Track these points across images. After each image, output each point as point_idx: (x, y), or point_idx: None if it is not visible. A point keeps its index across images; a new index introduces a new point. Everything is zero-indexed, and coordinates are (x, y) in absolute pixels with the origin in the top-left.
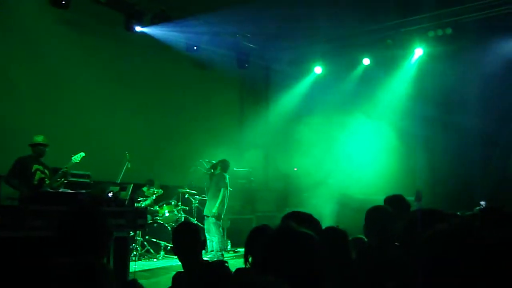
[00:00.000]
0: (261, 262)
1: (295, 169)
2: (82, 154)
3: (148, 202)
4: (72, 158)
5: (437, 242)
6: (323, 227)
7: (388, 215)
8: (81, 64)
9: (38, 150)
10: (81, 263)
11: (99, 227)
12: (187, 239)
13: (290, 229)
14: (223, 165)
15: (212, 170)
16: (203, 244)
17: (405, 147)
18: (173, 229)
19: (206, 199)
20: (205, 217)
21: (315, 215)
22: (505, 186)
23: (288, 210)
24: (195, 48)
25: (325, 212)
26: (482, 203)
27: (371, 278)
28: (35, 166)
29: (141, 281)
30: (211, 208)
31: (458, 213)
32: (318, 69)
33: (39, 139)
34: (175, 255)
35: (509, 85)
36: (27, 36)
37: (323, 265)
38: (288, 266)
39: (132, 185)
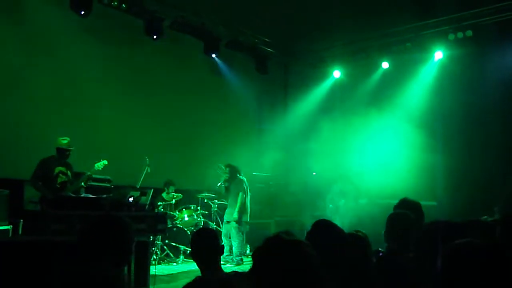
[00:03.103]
0: (251, 272)
1: (314, 174)
2: (105, 162)
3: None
4: (95, 165)
5: (457, 258)
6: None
7: (409, 221)
8: (101, 70)
9: (62, 153)
10: (94, 273)
11: (123, 236)
12: (205, 244)
13: (278, 239)
14: (235, 170)
15: (227, 177)
16: (221, 250)
17: (424, 150)
18: (192, 234)
19: (225, 203)
20: (226, 222)
21: (336, 220)
22: None
23: (308, 215)
24: (213, 56)
25: (345, 217)
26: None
27: (390, 284)
28: (58, 169)
29: (161, 285)
30: (232, 213)
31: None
32: (336, 73)
33: (64, 142)
34: (194, 260)
35: None
36: (47, 42)
37: (318, 274)
38: (277, 275)
39: (152, 190)
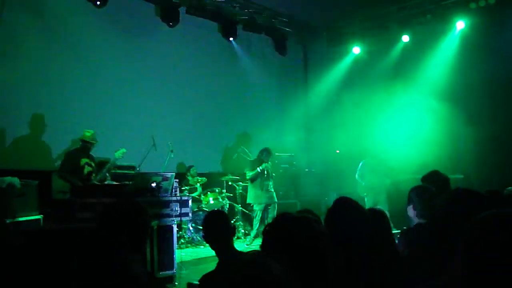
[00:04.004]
0: (261, 248)
1: (337, 151)
2: (124, 150)
3: (196, 192)
4: (115, 154)
5: (484, 230)
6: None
7: (430, 194)
8: (122, 59)
9: (86, 145)
10: (106, 262)
11: (138, 220)
12: (216, 226)
13: (287, 216)
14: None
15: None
16: (233, 230)
17: (449, 123)
18: (203, 218)
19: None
20: (270, 206)
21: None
22: None
23: (332, 193)
24: (231, 39)
25: (379, 194)
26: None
27: (413, 257)
28: (84, 160)
29: (188, 268)
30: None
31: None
32: (356, 49)
33: (88, 135)
34: (207, 243)
35: None
36: (68, 34)
37: (328, 253)
38: (286, 252)
39: (174, 174)
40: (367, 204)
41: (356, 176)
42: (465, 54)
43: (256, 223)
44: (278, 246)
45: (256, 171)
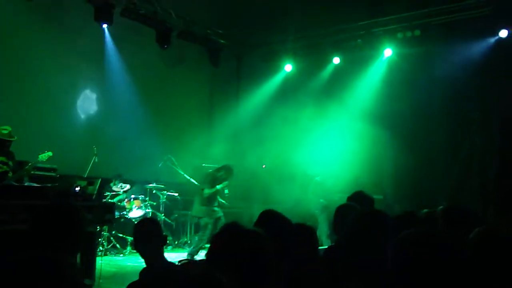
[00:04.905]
0: (207, 257)
1: (263, 166)
2: (49, 153)
3: (120, 197)
4: (39, 156)
5: (407, 247)
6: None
7: (356, 212)
8: (48, 57)
9: (2, 143)
10: (46, 259)
11: (76, 223)
12: (148, 234)
13: (234, 226)
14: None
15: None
16: (164, 239)
17: (372, 145)
18: (135, 224)
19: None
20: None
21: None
22: (467, 187)
23: (257, 206)
24: (165, 46)
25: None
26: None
27: (336, 275)
28: None
29: (108, 276)
30: None
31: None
32: (288, 67)
33: (5, 132)
34: (137, 250)
35: (473, 88)
36: None
37: (270, 262)
38: (231, 261)
39: (100, 179)
40: (321, 221)
41: (310, 193)
42: (391, 81)
43: (204, 237)
44: (225, 255)
45: (215, 189)
